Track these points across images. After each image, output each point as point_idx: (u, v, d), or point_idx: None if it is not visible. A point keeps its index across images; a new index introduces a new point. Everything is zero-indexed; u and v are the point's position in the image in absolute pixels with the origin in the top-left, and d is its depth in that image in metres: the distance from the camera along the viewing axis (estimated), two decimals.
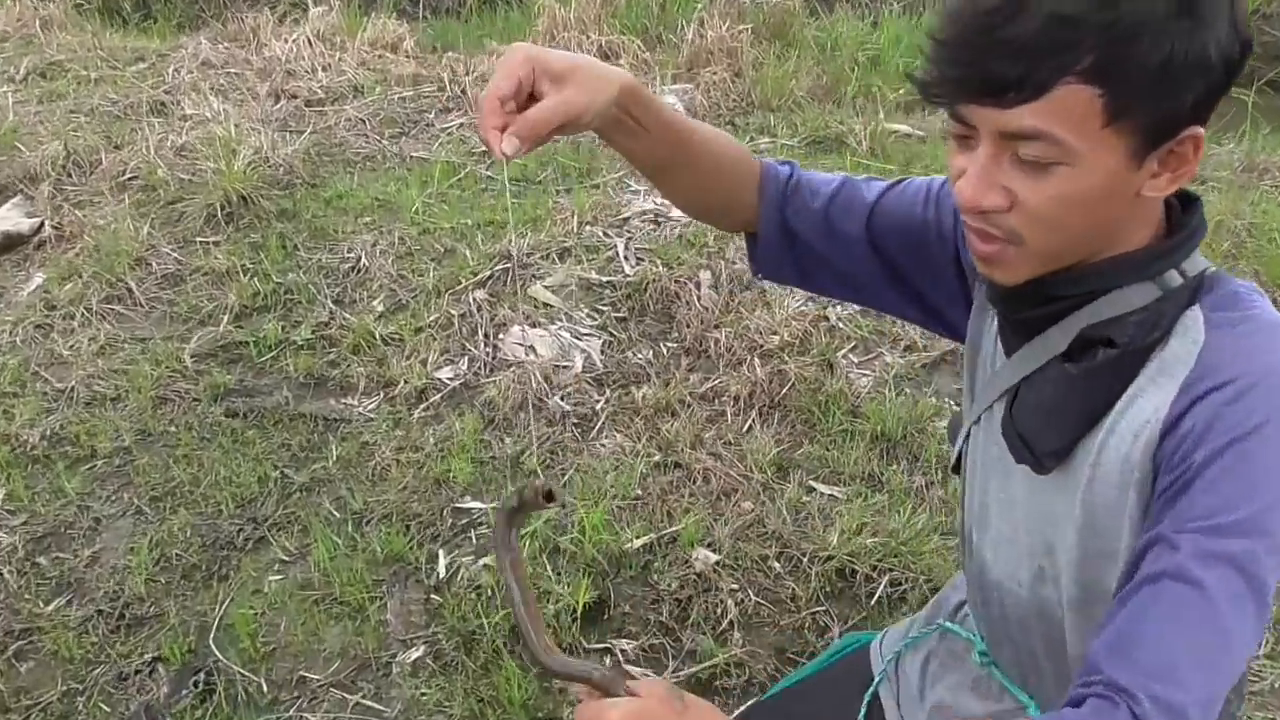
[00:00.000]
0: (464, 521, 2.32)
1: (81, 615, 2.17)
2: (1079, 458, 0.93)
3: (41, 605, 2.20)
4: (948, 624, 1.28)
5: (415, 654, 2.05)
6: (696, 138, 1.05)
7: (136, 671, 2.05)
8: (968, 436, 1.12)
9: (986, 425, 1.06)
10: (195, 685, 2.01)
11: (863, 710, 1.39)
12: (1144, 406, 0.88)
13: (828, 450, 2.46)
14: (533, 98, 0.89)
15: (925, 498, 2.29)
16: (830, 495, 2.32)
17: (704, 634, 2.03)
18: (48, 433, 2.62)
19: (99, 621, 2.15)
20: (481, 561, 2.20)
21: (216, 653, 2.08)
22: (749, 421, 2.54)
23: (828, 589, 2.10)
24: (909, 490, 2.31)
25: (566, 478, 2.40)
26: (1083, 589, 0.96)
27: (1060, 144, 0.82)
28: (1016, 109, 0.82)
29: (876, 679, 1.39)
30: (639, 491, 2.33)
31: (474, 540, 2.27)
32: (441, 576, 2.19)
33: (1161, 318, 0.90)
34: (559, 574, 2.13)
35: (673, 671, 1.97)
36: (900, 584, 2.08)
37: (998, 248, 0.89)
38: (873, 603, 2.06)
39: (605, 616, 2.08)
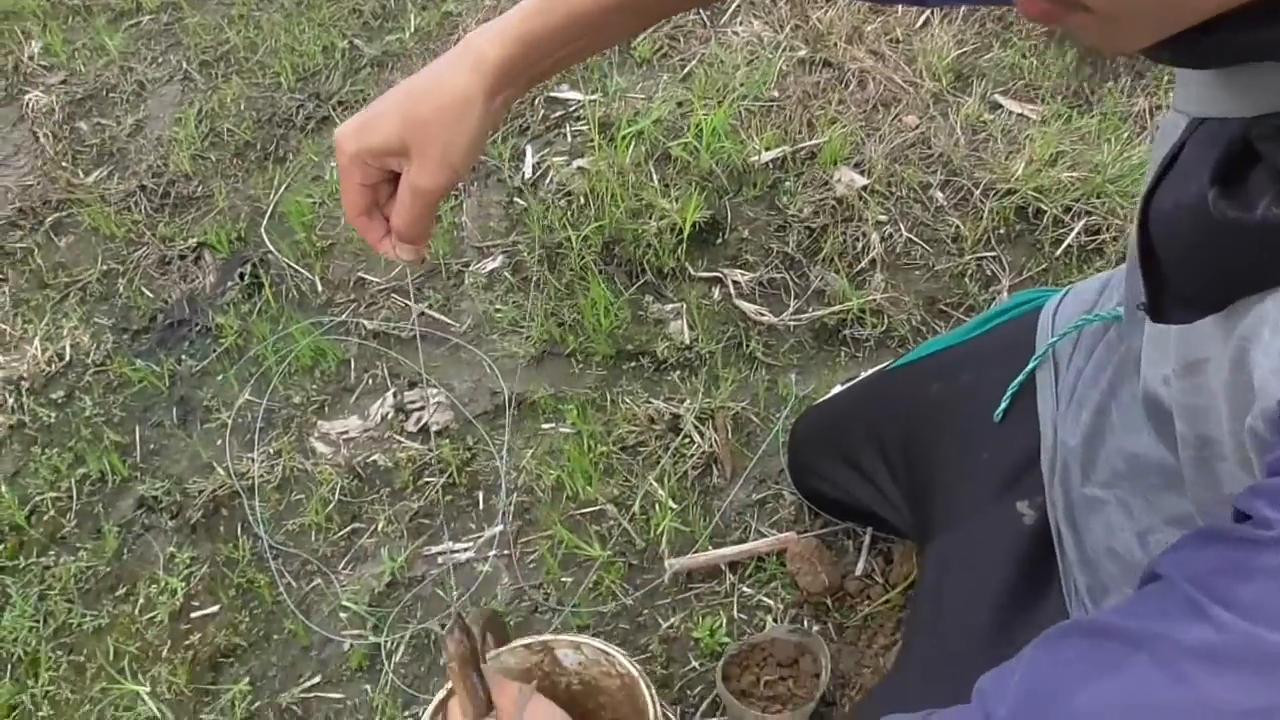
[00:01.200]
0: (558, 114, 1.91)
1: (123, 190, 1.91)
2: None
3: (81, 175, 1.94)
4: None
5: (491, 264, 1.74)
6: None
7: (181, 256, 1.80)
8: None
9: None
10: (242, 277, 1.75)
11: (1005, 401, 1.02)
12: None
13: (1024, 57, 1.91)
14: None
15: (1146, 126, 1.76)
16: (1020, 115, 1.81)
17: (838, 272, 1.64)
18: None
19: (141, 198, 1.89)
20: (575, 164, 1.81)
21: (268, 243, 1.80)
22: (925, 14, 1.98)
23: (1002, 230, 1.65)
24: (1126, 115, 1.77)
25: (687, 70, 1.94)
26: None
27: None
28: None
29: (1036, 357, 1.01)
30: (775, 93, 1.86)
31: (568, 138, 1.87)
32: (527, 177, 1.82)
33: None
34: (667, 186, 1.73)
35: (794, 313, 1.61)
36: (1099, 232, 1.62)
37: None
38: (1059, 252, 1.62)
39: (719, 241, 1.71)
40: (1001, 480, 1.04)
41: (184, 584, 1.44)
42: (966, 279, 1.61)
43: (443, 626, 1.36)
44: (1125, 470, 0.88)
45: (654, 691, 1.02)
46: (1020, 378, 1.04)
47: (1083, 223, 1.62)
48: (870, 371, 1.41)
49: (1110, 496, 0.89)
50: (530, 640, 1.10)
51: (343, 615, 1.39)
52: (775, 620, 1.32)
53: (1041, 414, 1.02)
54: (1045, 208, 1.64)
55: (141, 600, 1.44)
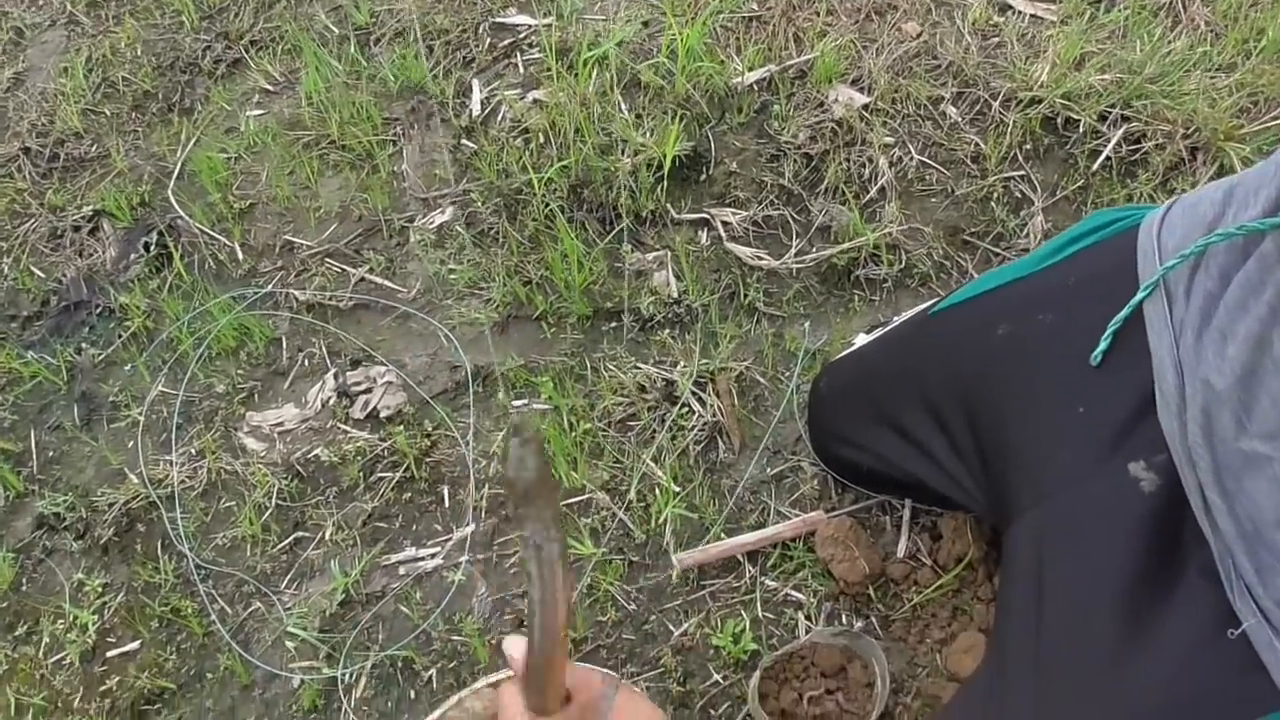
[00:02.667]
0: (506, 42, 1.65)
1: (3, 154, 1.63)
2: None
3: None
4: None
5: (440, 218, 1.49)
6: None
7: (74, 228, 1.54)
8: None
9: None
10: (147, 248, 1.49)
11: (1106, 340, 0.83)
12: None
13: None
14: None
15: (1183, 14, 1.54)
16: (1033, 15, 1.59)
17: (844, 204, 1.42)
18: None
19: (25, 162, 1.61)
20: (530, 96, 1.57)
21: (176, 208, 1.54)
22: None
23: (1029, 146, 1.44)
24: (1158, 7, 1.56)
25: None
26: None
27: None
28: None
29: (1145, 286, 0.80)
30: (755, 5, 1.63)
31: (520, 68, 1.62)
32: (476, 115, 1.57)
33: None
34: (639, 117, 1.49)
35: (797, 254, 1.39)
36: (1140, 140, 1.41)
37: None
38: (1096, 166, 1.41)
39: (703, 177, 1.47)
40: (1107, 439, 0.83)
41: (96, 617, 1.21)
42: (992, 203, 1.40)
43: (427, 638, 1.13)
44: None
45: None
46: (1125, 312, 0.83)
47: (1121, 131, 1.41)
48: (907, 315, 1.19)
49: (1277, 452, 0.69)
50: (498, 677, 0.88)
51: (289, 644, 1.16)
52: (809, 618, 1.11)
53: (1156, 353, 0.81)
54: (1076, 117, 1.42)
55: (46, 639, 1.20)
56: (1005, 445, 0.92)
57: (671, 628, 1.12)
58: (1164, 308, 0.81)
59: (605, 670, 0.73)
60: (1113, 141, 1.40)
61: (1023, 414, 0.91)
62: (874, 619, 1.11)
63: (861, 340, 1.22)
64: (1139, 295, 0.81)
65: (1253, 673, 0.71)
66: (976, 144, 1.44)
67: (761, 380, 1.30)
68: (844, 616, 1.11)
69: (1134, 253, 0.85)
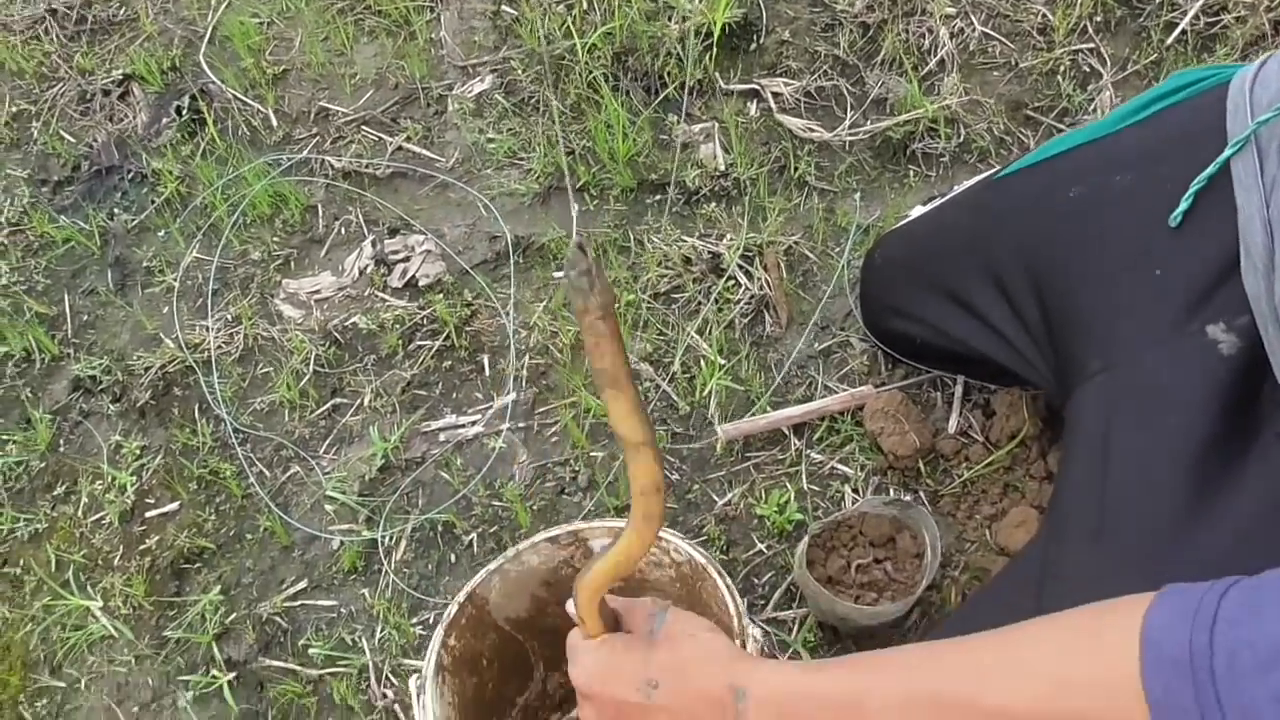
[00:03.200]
0: None
1: (28, 16, 1.58)
2: None
3: None
4: None
5: (479, 86, 1.44)
6: None
7: (104, 92, 1.50)
8: None
9: None
10: (179, 113, 1.45)
11: (1187, 200, 0.78)
12: None
13: None
14: None
15: None
16: None
17: (901, 76, 1.36)
18: None
19: (52, 24, 1.57)
20: None
21: (208, 72, 1.50)
22: None
23: (1100, 18, 1.37)
24: None
25: None
26: None
27: None
28: None
29: (1235, 141, 0.75)
30: None
31: None
32: None
33: None
34: None
35: (851, 127, 1.33)
36: (1220, 11, 1.33)
37: None
38: (1170, 40, 1.34)
39: (753, 46, 1.41)
40: (1184, 302, 0.79)
41: (134, 479, 1.20)
42: (1058, 77, 1.33)
43: (464, 504, 1.12)
44: None
45: (730, 582, 0.79)
46: (1211, 169, 0.78)
47: (1200, 2, 1.33)
48: (970, 182, 1.14)
49: None
50: (557, 531, 0.86)
51: (328, 508, 1.15)
52: (855, 491, 1.09)
53: (1244, 211, 0.76)
54: None
55: (85, 500, 1.20)
56: (1074, 312, 0.88)
57: (715, 497, 1.10)
58: (1254, 165, 0.76)
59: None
60: (1190, 13, 1.33)
61: (1094, 279, 0.87)
62: (922, 494, 1.08)
63: (918, 212, 1.18)
64: (1228, 151, 0.76)
65: None
66: (1044, 15, 1.37)
67: (810, 255, 1.26)
68: (891, 491, 1.08)
69: (1221, 111, 0.80)
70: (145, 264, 1.36)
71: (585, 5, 1.43)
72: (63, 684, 1.09)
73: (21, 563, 1.17)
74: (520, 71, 1.42)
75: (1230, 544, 0.71)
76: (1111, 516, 0.77)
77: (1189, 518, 0.73)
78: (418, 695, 0.79)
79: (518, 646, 0.91)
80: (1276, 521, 0.71)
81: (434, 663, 0.80)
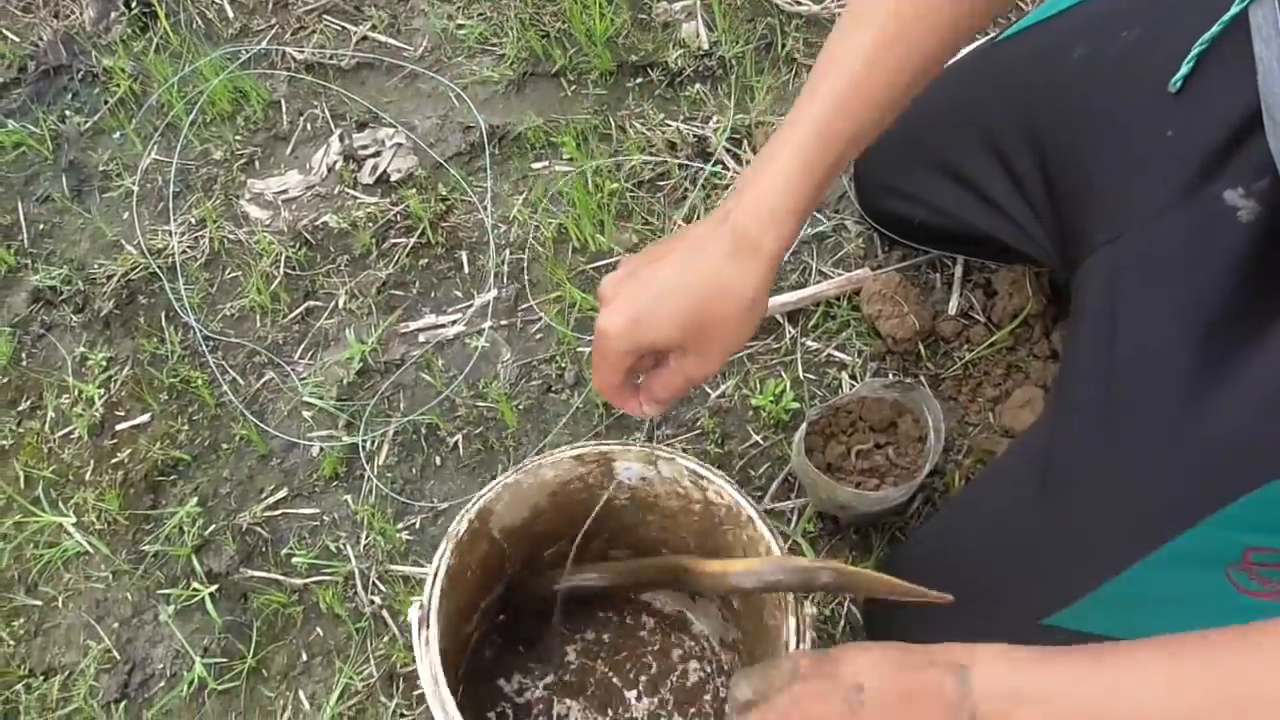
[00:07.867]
0: None
1: None
2: None
3: None
4: None
5: None
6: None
7: None
8: None
9: None
10: (129, 5, 1.37)
11: (1189, 63, 0.73)
12: None
13: None
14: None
15: None
16: None
17: None
18: None
19: None
20: None
21: None
22: None
23: None
24: None
25: None
26: None
27: None
28: None
29: None
30: None
31: None
32: None
33: None
34: None
35: None
36: None
37: None
38: None
39: None
40: (1199, 165, 0.74)
41: (102, 391, 1.15)
42: None
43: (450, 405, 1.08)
44: None
45: (781, 543, 0.74)
46: (1226, 17, 0.73)
47: None
48: (965, 50, 1.08)
49: None
50: (584, 450, 0.80)
51: (306, 414, 1.11)
52: (853, 377, 1.05)
53: (1265, 63, 0.71)
54: None
55: (51, 414, 1.15)
56: (1080, 180, 0.83)
57: (708, 389, 1.06)
58: (1274, 12, 0.70)
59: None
60: None
61: (1101, 143, 0.82)
62: (923, 378, 1.04)
63: None
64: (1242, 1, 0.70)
65: None
66: None
67: None
68: (890, 375, 1.04)
69: None
70: (101, 168, 1.29)
71: None
72: (39, 602, 1.05)
73: None
74: None
75: (1253, 415, 0.67)
76: (1119, 391, 0.73)
77: (1201, 389, 0.69)
78: (419, 629, 0.73)
79: (499, 552, 0.87)
80: None
81: (438, 590, 0.74)
